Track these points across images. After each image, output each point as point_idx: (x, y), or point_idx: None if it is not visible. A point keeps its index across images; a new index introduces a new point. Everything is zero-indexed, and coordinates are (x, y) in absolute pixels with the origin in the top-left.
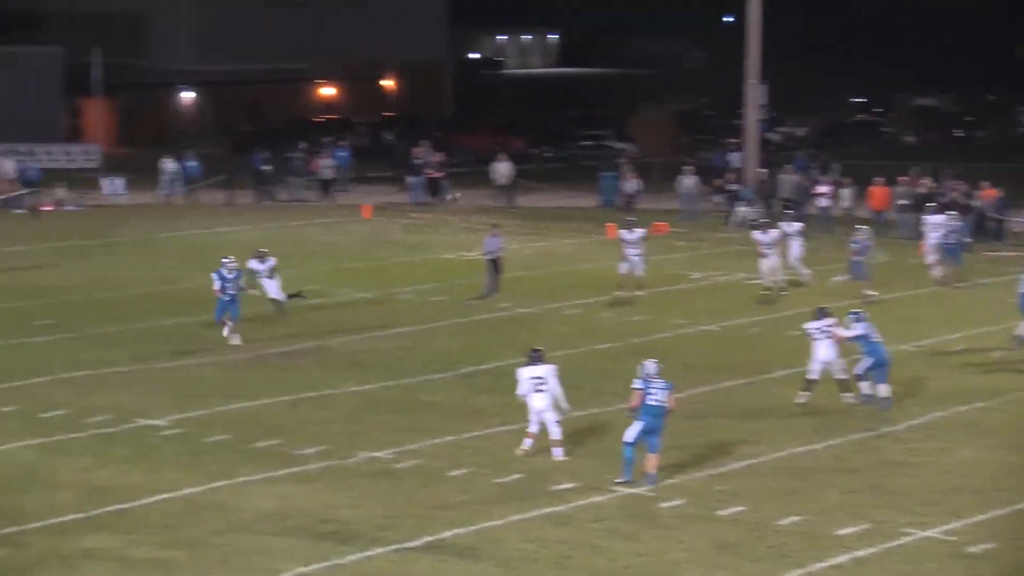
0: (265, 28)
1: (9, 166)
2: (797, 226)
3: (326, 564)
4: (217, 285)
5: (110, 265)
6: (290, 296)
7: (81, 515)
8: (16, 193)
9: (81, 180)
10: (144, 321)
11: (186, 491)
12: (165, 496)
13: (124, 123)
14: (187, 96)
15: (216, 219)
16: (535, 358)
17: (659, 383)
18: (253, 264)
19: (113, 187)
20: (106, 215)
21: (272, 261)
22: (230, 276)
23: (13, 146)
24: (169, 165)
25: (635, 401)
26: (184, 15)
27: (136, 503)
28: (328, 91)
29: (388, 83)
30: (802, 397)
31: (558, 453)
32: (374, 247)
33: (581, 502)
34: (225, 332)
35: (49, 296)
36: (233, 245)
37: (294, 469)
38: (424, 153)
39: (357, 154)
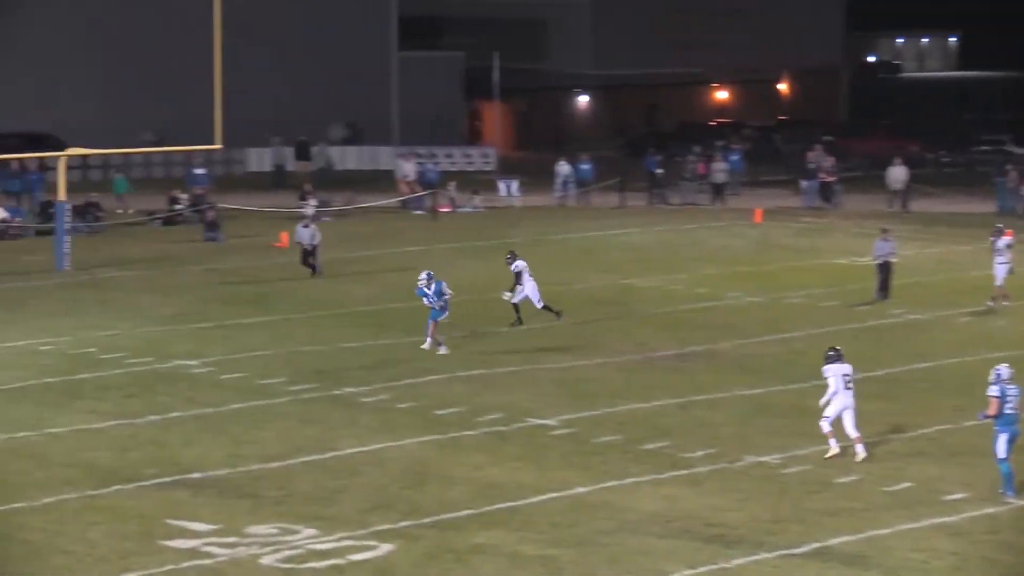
0: (660, 32)
1: (410, 168)
2: None
3: (712, 567)
4: (426, 301)
5: (505, 266)
6: (545, 308)
7: (473, 511)
8: (416, 194)
9: (478, 182)
10: (537, 321)
11: (575, 490)
12: (554, 495)
13: (520, 126)
14: (582, 99)
15: (607, 221)
16: (836, 357)
17: (1014, 389)
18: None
19: (508, 189)
20: (501, 217)
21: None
22: (429, 290)
23: (414, 148)
24: (563, 167)
25: (992, 409)
26: (582, 20)
27: (526, 501)
28: (722, 95)
29: (782, 87)
30: None
31: (861, 450)
32: (764, 251)
33: (974, 513)
34: (427, 344)
35: None
36: (623, 248)
37: (682, 472)
38: (817, 157)
39: (748, 158)
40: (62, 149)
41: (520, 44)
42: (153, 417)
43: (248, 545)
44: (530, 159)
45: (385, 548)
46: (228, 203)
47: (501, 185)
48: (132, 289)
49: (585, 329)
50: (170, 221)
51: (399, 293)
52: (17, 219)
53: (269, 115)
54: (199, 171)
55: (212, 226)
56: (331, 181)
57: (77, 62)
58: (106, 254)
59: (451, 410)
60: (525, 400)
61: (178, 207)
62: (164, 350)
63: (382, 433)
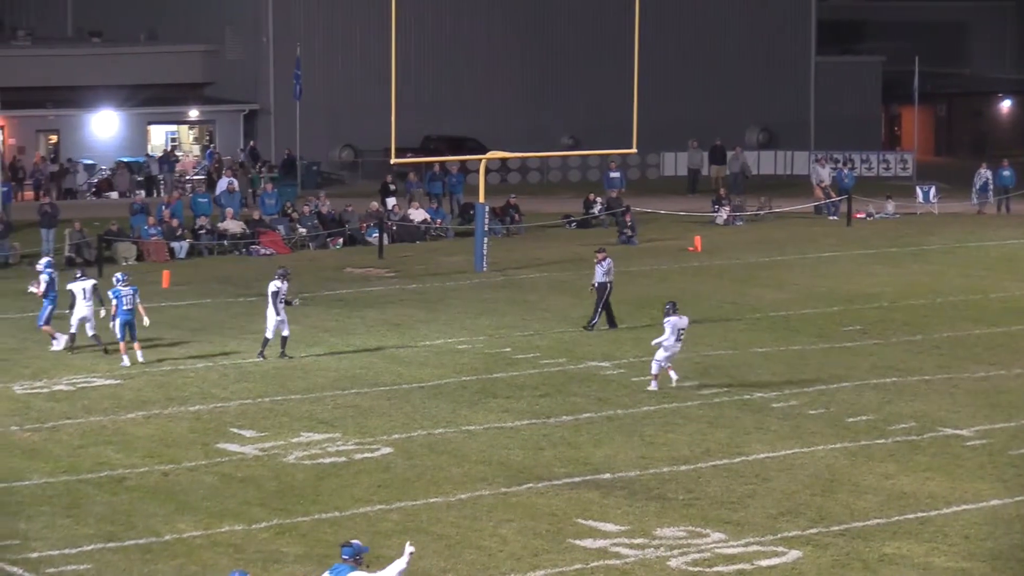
0: None
1: (825, 173)
2: None
3: None
4: None
5: (919, 273)
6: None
7: (882, 520)
8: (831, 200)
9: (896, 188)
10: (952, 330)
11: (990, 503)
12: (967, 507)
13: (941, 132)
14: (1005, 104)
15: None
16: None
17: None
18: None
19: (926, 195)
20: (917, 223)
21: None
22: None
23: (830, 153)
24: (984, 174)
25: None
26: (1004, 22)
27: (937, 512)
28: None
29: None
30: None
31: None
32: None
33: None
34: None
35: (858, 302)
36: None
37: None
38: None
39: None
40: (482, 153)
41: (940, 48)
42: (565, 417)
43: (656, 547)
44: (949, 165)
45: (793, 555)
46: (642, 207)
47: (919, 191)
48: (546, 290)
49: (1003, 338)
50: (585, 224)
51: (811, 299)
52: (438, 220)
53: (685, 119)
54: (614, 175)
55: (627, 229)
56: (746, 186)
57: (499, 68)
58: (522, 256)
59: (862, 418)
60: (938, 409)
61: (593, 210)
62: (577, 351)
63: (792, 439)
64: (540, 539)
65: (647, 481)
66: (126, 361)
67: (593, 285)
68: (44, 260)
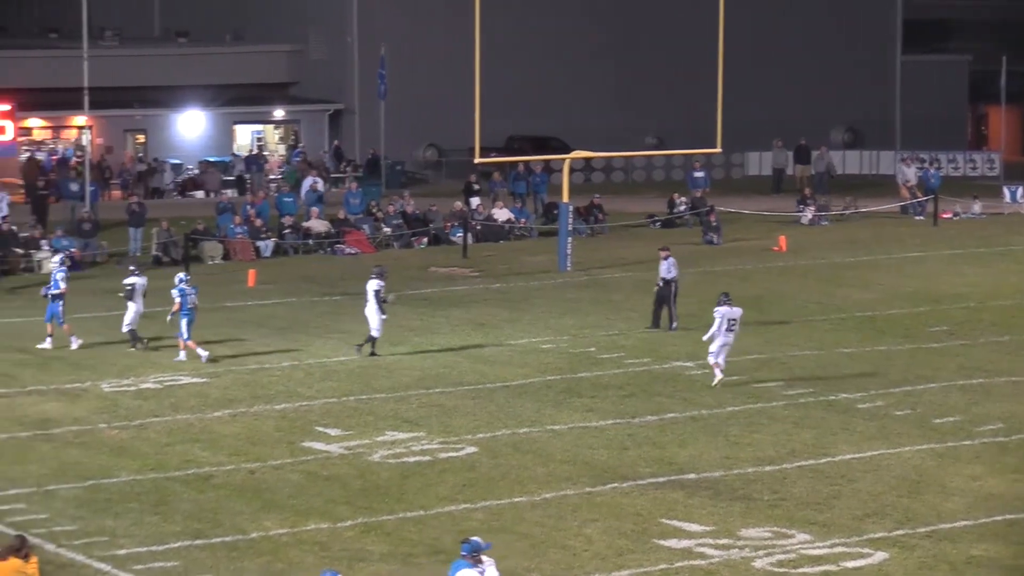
0: None
1: (911, 172)
2: None
3: None
4: None
5: (1007, 273)
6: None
7: (970, 522)
8: (917, 200)
9: (982, 188)
10: None
11: None
12: None
13: None
14: None
15: None
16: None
17: None
18: None
19: (1013, 195)
20: (1005, 223)
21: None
22: None
23: (916, 153)
24: None
25: None
26: None
27: None
28: None
29: None
30: None
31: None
32: None
33: None
34: None
35: (945, 303)
36: None
37: None
38: None
39: None
40: (567, 152)
41: None
42: (650, 417)
43: (741, 548)
44: None
45: (879, 556)
46: (727, 206)
47: (1006, 191)
48: (630, 290)
49: None
50: (669, 223)
51: (898, 299)
52: (522, 220)
53: (770, 119)
54: (699, 174)
55: (711, 228)
56: (831, 185)
57: (584, 67)
58: (606, 255)
59: (948, 419)
60: None
61: (678, 209)
62: (661, 351)
63: (878, 440)
64: (625, 539)
65: (732, 481)
66: (183, 356)
67: (658, 284)
68: (56, 261)
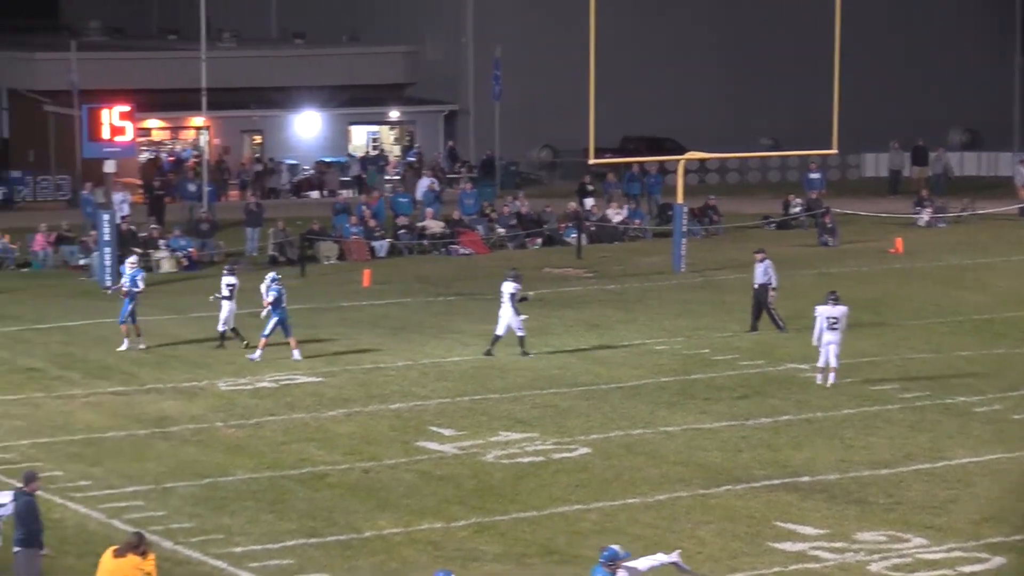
0: None
1: None
2: None
3: None
4: None
5: None
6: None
7: None
8: None
9: None
10: None
11: None
12: None
13: None
14: None
15: None
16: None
17: None
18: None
19: None
20: None
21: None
22: None
23: None
24: None
25: None
26: None
27: None
28: None
29: None
30: None
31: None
32: None
33: None
34: None
35: None
36: None
37: None
38: None
39: None
40: (681, 153)
41: None
42: (764, 419)
43: (856, 551)
44: None
45: (997, 561)
46: (843, 207)
47: None
48: (745, 292)
49: None
50: (784, 225)
51: (1016, 302)
52: (636, 221)
53: (886, 120)
54: (814, 175)
55: (827, 230)
56: (948, 187)
57: (698, 67)
58: (720, 257)
59: None
60: None
61: (793, 211)
62: (775, 353)
63: (995, 443)
64: (738, 541)
65: (847, 484)
66: (258, 355)
67: (754, 287)
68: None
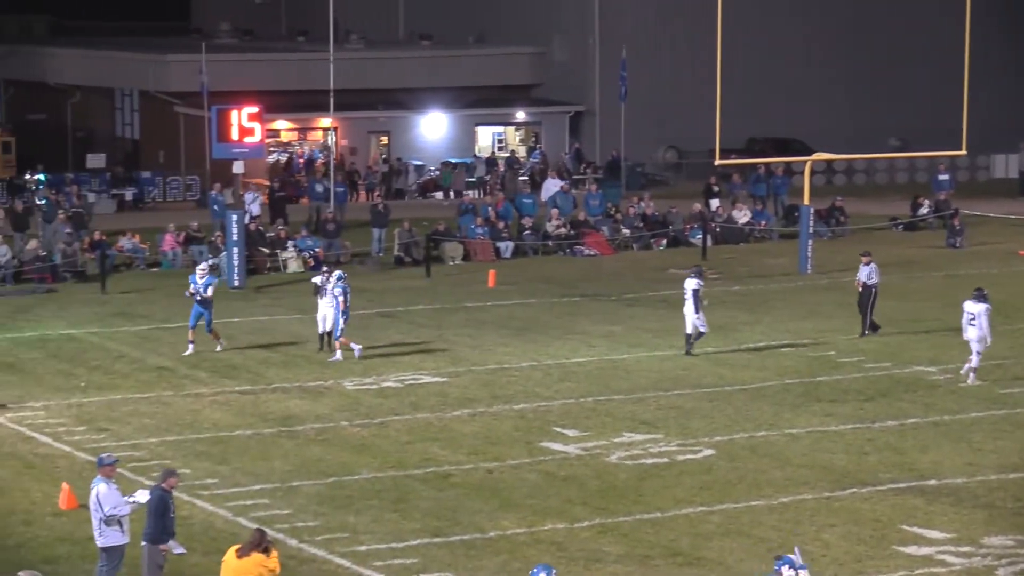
0: None
1: None
2: None
3: None
4: None
5: None
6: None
7: None
8: None
9: None
10: None
11: None
12: None
13: None
14: None
15: None
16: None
17: None
18: None
19: None
20: None
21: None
22: None
23: None
24: None
25: None
26: None
27: None
28: None
29: None
30: None
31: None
32: None
33: None
34: None
35: None
36: None
37: None
38: None
39: None
40: (807, 154)
41: None
42: (890, 422)
43: (983, 556)
44: None
45: None
46: (971, 209)
47: None
48: None
49: None
50: (912, 226)
51: None
52: (762, 222)
53: (1017, 120)
54: (943, 176)
55: (955, 232)
56: None
57: (825, 68)
58: (847, 258)
59: None
60: None
61: (921, 212)
62: (903, 355)
63: None
64: (864, 545)
65: (974, 488)
66: (339, 356)
67: (858, 290)
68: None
